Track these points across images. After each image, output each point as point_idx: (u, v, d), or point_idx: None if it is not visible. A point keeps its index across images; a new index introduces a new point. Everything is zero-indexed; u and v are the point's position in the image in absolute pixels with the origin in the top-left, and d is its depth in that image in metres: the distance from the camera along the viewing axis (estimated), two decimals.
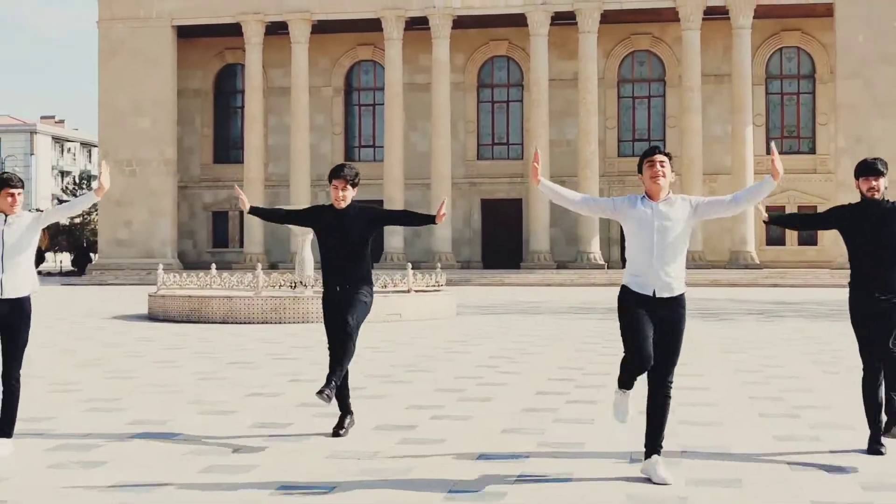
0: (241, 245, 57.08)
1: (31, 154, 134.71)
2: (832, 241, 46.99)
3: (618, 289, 7.81)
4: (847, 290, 8.58)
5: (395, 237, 53.84)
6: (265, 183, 56.50)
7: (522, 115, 57.16)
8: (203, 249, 59.51)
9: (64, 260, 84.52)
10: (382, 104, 56.47)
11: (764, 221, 9.05)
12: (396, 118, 54.57)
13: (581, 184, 52.68)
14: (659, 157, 7.65)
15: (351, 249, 9.26)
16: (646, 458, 7.54)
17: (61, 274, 71.63)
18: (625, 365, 7.59)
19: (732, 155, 52.25)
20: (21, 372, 8.63)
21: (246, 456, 8.50)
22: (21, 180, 8.62)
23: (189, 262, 55.35)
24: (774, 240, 54.02)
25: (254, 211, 10.00)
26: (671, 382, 7.69)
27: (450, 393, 12.22)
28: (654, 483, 7.36)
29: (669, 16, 53.49)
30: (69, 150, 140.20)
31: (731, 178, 52.57)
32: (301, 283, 24.14)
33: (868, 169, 8.44)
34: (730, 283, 47.96)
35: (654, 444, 7.55)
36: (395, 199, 53.95)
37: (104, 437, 9.31)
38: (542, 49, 53.21)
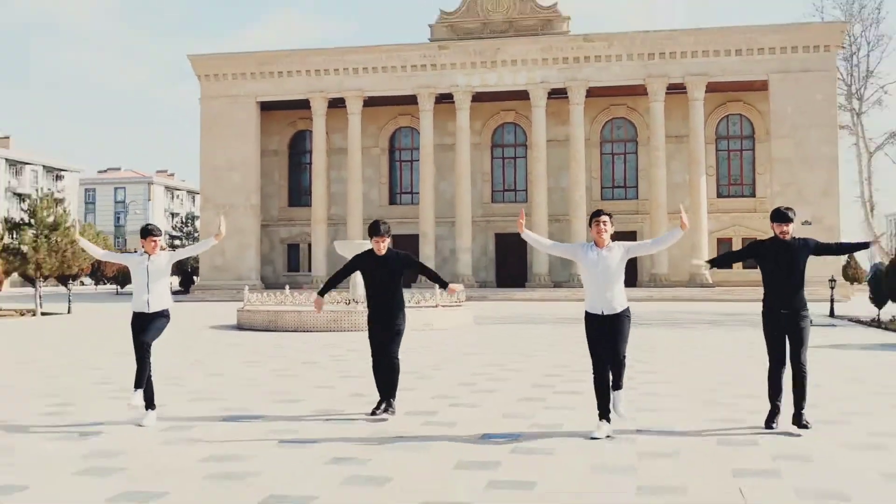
0: (310, 269, 57.32)
1: (149, 200, 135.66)
2: None
3: None
4: (761, 306, 8.78)
5: (427, 264, 53.83)
6: (328, 222, 56.51)
7: (526, 168, 57.24)
8: (280, 273, 59.64)
9: (173, 282, 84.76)
10: (418, 160, 56.41)
11: (706, 267, 9.32)
12: (428, 171, 54.74)
13: (572, 222, 52.84)
14: (602, 218, 8.50)
15: (389, 284, 9.48)
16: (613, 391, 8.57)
17: (171, 293, 71.67)
18: (594, 384, 8.60)
19: (690, 198, 52.09)
20: (150, 357, 9.39)
21: (309, 433, 8.69)
22: (160, 230, 9.63)
23: (269, 283, 55.55)
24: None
25: (323, 291, 9.84)
26: (624, 359, 8.48)
27: (465, 386, 12.25)
28: (618, 413, 8.48)
29: (640, 90, 53.61)
30: (177, 196, 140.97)
31: (690, 214, 52.42)
32: (354, 300, 24.24)
33: (781, 217, 8.57)
34: (689, 298, 47.79)
35: (617, 382, 8.49)
36: (427, 234, 54.20)
37: (202, 420, 9.52)
38: (541, 117, 53.32)
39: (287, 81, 55.95)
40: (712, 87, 52.63)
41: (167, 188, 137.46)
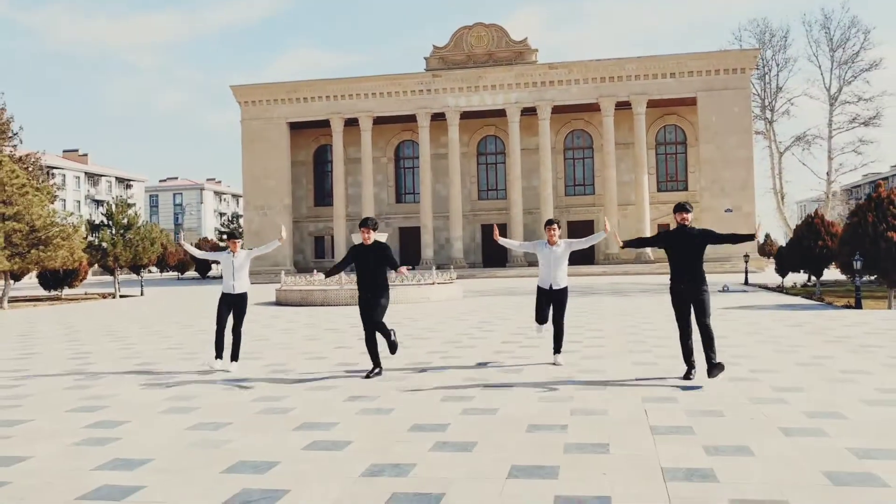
0: (332, 256, 57.80)
1: (201, 203, 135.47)
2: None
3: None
4: (668, 281, 8.80)
5: (427, 249, 54.48)
6: (346, 218, 56.90)
7: (505, 171, 57.72)
8: (309, 260, 60.09)
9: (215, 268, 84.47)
10: (418, 167, 56.81)
11: (620, 246, 8.93)
12: (427, 176, 55.11)
13: (543, 213, 53.33)
14: (553, 226, 9.84)
15: (373, 267, 9.16)
16: (554, 355, 10.07)
17: (219, 278, 71.88)
18: (536, 316, 9.88)
19: (635, 193, 52.78)
20: (242, 329, 10.46)
21: (332, 381, 9.24)
22: (240, 234, 11.15)
23: (300, 269, 56.12)
24: None
25: (329, 274, 10.11)
26: (562, 324, 9.95)
27: (452, 343, 12.70)
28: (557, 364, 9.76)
29: (595, 107, 54.01)
30: (224, 199, 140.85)
31: (635, 207, 53.06)
32: None
33: (681, 208, 8.47)
34: (635, 272, 48.48)
35: (558, 347, 10.04)
36: (427, 225, 54.63)
37: (252, 376, 10.02)
38: (516, 131, 53.68)
39: (311, 105, 56.29)
40: (653, 104, 53.11)
41: (216, 193, 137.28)
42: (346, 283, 24.05)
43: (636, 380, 8.76)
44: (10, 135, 39.83)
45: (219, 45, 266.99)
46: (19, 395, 8.78)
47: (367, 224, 9.23)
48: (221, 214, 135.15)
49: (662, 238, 8.71)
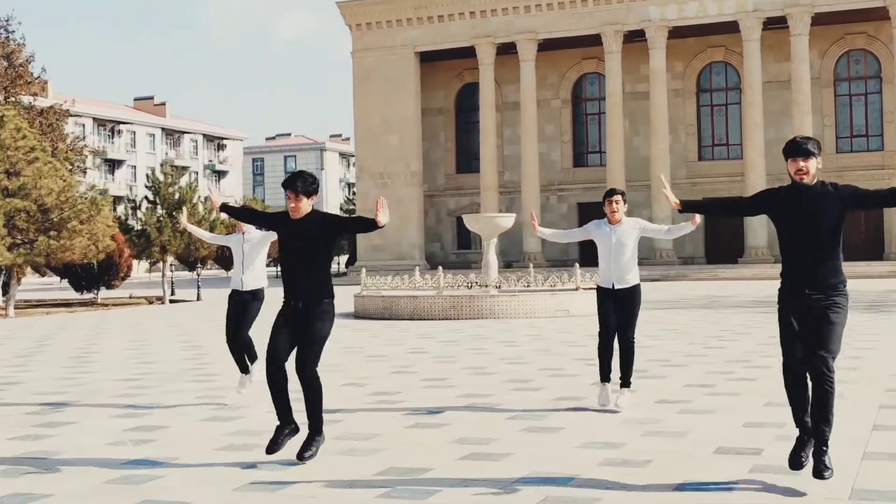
0: (481, 246, 58.23)
1: (321, 169, 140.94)
2: None
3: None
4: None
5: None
6: (499, 190, 57.48)
7: (740, 117, 55.82)
8: (449, 251, 61.22)
9: (341, 262, 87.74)
10: (605, 113, 56.47)
11: (679, 210, 7.49)
12: (617, 126, 54.62)
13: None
14: (615, 198, 9.81)
15: (306, 259, 7.78)
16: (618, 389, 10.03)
17: (337, 274, 74.77)
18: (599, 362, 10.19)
19: None
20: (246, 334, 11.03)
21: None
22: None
23: (436, 262, 56.80)
24: None
25: (224, 208, 8.91)
26: (632, 338, 9.99)
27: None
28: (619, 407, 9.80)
29: (882, 14, 51.08)
30: (353, 163, 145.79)
31: None
32: (482, 284, 24.93)
33: (796, 149, 6.59)
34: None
35: (625, 379, 9.96)
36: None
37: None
38: (755, 54, 51.94)
39: (449, 26, 57.26)
40: None
41: (341, 155, 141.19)
42: (446, 286, 24.33)
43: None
44: (28, 80, 43.41)
45: None
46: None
47: (293, 185, 7.69)
48: (349, 185, 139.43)
49: (764, 201, 7.08)
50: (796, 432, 6.88)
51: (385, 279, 27.22)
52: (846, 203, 6.66)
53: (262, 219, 8.71)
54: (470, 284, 25.17)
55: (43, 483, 7.13)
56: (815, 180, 6.63)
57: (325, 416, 7.71)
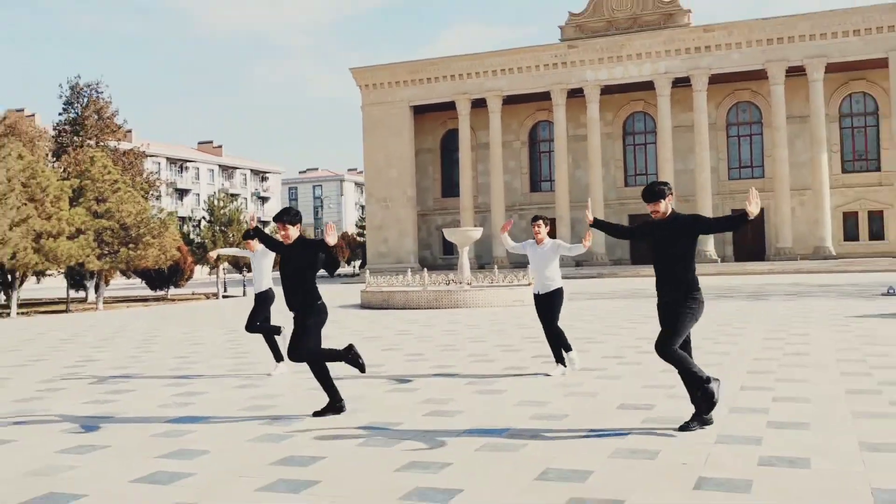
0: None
1: (341, 195, 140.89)
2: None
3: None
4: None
5: (564, 242, 53.64)
6: (475, 210, 57.41)
7: (655, 153, 55.79)
8: (437, 256, 60.92)
9: (355, 265, 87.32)
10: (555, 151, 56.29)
11: (590, 225, 7.58)
12: (563, 161, 54.50)
13: (698, 201, 51.18)
14: (538, 222, 9.92)
15: (292, 275, 7.66)
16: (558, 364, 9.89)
17: (350, 276, 74.54)
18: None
19: (813, 176, 49.52)
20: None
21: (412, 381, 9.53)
22: (253, 234, 9.35)
23: (427, 265, 56.55)
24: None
25: (249, 232, 9.31)
26: (557, 327, 9.78)
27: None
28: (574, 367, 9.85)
29: (763, 75, 51.17)
30: (364, 191, 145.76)
31: (813, 193, 49.86)
32: (458, 281, 24.82)
33: (649, 196, 6.61)
34: (809, 270, 45.48)
35: (564, 349, 9.82)
36: (563, 217, 53.94)
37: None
38: (666, 105, 51.96)
39: (435, 87, 57.12)
40: (833, 68, 49.65)
41: (356, 184, 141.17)
42: (430, 283, 24.20)
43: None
44: (113, 129, 43.27)
45: (366, 24, 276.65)
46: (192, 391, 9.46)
47: (281, 218, 7.66)
48: (362, 207, 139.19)
49: (639, 229, 6.91)
50: (684, 392, 6.90)
51: (385, 278, 27.06)
52: (691, 230, 6.56)
53: (270, 241, 8.07)
54: (448, 282, 25.02)
55: (104, 436, 7.07)
56: (668, 214, 6.58)
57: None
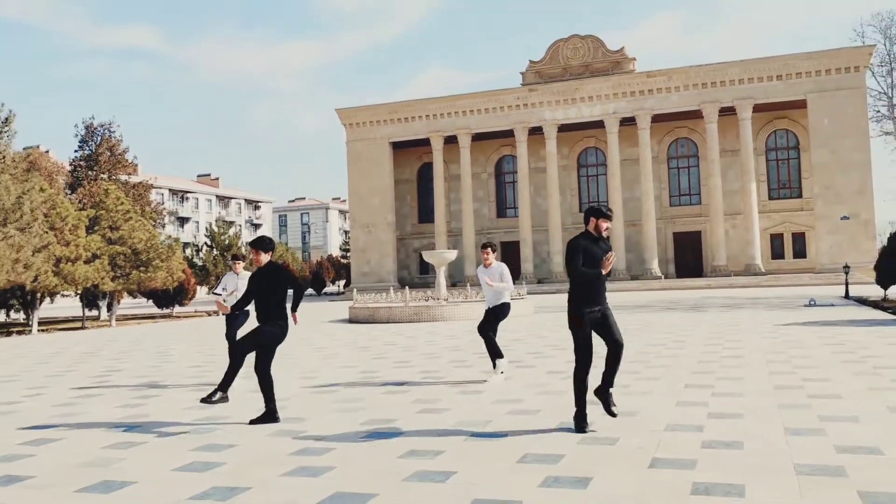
0: (436, 272, 58.43)
1: (326, 222, 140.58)
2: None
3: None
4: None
5: (527, 264, 54.23)
6: (448, 234, 57.75)
7: (606, 183, 56.57)
8: (414, 275, 61.21)
9: (340, 285, 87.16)
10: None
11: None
12: (525, 190, 55.14)
13: (644, 225, 52.02)
14: (487, 249, 10.30)
15: (263, 296, 7.59)
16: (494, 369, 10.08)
17: (336, 294, 74.37)
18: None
19: (743, 202, 50.51)
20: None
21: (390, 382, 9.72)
22: (242, 257, 11.31)
23: (406, 284, 56.86)
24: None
25: (233, 310, 8.41)
26: (491, 335, 9.95)
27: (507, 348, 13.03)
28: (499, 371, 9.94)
29: (698, 114, 52.28)
30: (347, 218, 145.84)
31: (743, 217, 50.86)
32: (435, 297, 25.06)
33: (607, 214, 6.68)
34: (742, 285, 46.32)
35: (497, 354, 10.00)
36: (527, 239, 54.49)
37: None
38: (614, 142, 52.75)
39: (412, 125, 57.56)
40: (760, 108, 50.84)
41: (340, 211, 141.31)
42: (412, 300, 24.41)
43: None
44: (124, 164, 43.16)
45: (354, 68, 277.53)
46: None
47: (254, 245, 7.67)
48: (346, 233, 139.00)
49: (583, 249, 6.57)
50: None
51: (370, 296, 27.19)
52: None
53: (249, 287, 7.70)
54: (427, 298, 25.27)
55: (141, 435, 7.29)
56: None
57: (325, 388, 7.95)
